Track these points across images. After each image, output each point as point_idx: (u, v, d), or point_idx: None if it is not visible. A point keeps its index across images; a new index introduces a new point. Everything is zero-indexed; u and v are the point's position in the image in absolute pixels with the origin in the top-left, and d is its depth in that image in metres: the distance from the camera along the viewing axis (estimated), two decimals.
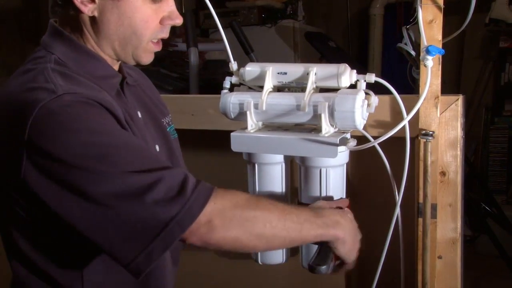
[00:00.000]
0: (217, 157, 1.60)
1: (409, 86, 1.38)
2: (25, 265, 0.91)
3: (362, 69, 1.19)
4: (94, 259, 0.91)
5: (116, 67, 0.99)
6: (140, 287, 0.96)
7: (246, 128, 1.08)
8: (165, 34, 0.95)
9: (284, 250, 1.29)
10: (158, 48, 0.96)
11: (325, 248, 0.97)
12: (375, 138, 1.06)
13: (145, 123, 1.03)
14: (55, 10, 0.92)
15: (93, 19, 0.90)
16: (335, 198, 1.20)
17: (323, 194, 1.19)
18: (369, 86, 1.06)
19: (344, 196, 1.23)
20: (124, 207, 0.77)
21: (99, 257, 0.91)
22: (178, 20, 0.94)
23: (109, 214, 0.77)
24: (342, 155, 1.15)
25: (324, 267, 0.95)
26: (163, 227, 0.77)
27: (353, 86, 1.05)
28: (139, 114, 1.02)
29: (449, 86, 3.64)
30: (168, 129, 1.13)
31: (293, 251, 1.33)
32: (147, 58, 0.96)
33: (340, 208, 1.08)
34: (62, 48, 0.91)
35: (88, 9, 0.88)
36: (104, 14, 0.89)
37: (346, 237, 0.96)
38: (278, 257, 1.30)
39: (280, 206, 0.89)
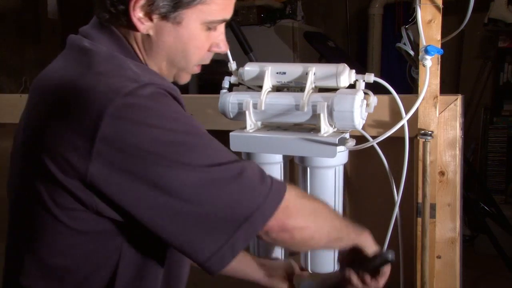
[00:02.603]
0: None
1: (408, 86, 1.38)
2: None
3: (361, 69, 1.20)
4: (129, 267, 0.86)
5: None
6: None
7: (245, 128, 1.09)
8: (209, 60, 0.94)
9: (283, 250, 1.29)
10: (198, 71, 0.94)
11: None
12: (374, 138, 1.06)
13: None
14: (105, 10, 0.85)
15: (146, 36, 0.86)
16: (334, 199, 1.20)
17: (323, 193, 1.19)
18: (368, 86, 1.06)
19: (342, 197, 1.23)
20: (209, 198, 0.75)
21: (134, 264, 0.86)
22: (225, 49, 0.93)
23: (192, 207, 0.75)
24: (341, 155, 1.16)
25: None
26: (248, 216, 0.76)
27: (352, 86, 1.05)
28: None
29: (448, 86, 3.65)
30: None
31: (293, 252, 1.33)
32: (186, 79, 0.95)
33: None
34: (112, 46, 0.85)
35: (144, 27, 0.84)
36: (160, 35, 0.85)
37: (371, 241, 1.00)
38: (277, 257, 1.30)
39: (327, 210, 0.93)
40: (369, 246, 0.98)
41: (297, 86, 1.08)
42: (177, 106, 0.80)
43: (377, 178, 1.24)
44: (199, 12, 0.84)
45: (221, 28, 0.91)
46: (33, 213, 0.82)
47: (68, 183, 0.75)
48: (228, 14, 0.88)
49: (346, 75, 1.04)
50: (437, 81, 1.18)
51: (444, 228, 1.25)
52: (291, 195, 0.82)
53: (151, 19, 0.83)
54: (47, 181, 0.77)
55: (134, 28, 0.84)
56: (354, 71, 1.06)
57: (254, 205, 0.77)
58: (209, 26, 0.87)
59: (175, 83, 0.92)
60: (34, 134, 0.81)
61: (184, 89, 1.99)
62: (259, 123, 1.11)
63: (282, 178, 1.27)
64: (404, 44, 1.27)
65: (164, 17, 0.83)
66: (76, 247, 0.82)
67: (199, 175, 0.75)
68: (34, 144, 0.80)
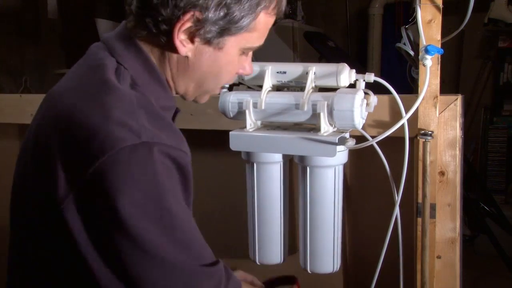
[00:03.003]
0: (216, 156, 1.60)
1: (408, 86, 1.38)
2: None
3: (361, 69, 1.20)
4: None
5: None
6: None
7: (245, 127, 1.09)
8: (233, 81, 0.95)
9: (282, 250, 1.30)
10: (220, 92, 0.95)
11: None
12: (374, 137, 1.06)
13: None
14: (142, 25, 0.81)
15: (184, 57, 0.83)
16: (334, 198, 1.20)
17: (323, 193, 1.19)
18: (368, 85, 1.06)
19: (342, 197, 1.23)
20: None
21: None
22: (250, 71, 0.92)
23: None
24: (341, 154, 1.16)
25: None
26: None
27: (352, 86, 1.05)
28: None
29: (448, 86, 3.65)
30: None
31: (291, 250, 1.33)
32: (206, 100, 0.93)
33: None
34: (136, 65, 0.82)
35: (184, 50, 0.81)
36: (199, 58, 0.83)
37: None
38: (276, 257, 1.30)
39: None
40: None
41: (297, 85, 1.09)
42: (170, 180, 0.74)
43: (377, 178, 1.24)
44: (242, 39, 0.83)
45: (251, 52, 0.91)
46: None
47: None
48: (263, 40, 0.88)
49: (346, 74, 1.04)
50: (437, 81, 1.18)
51: (444, 228, 1.25)
52: None
53: (192, 42, 0.81)
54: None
55: (172, 49, 0.81)
56: (354, 70, 1.06)
57: None
58: (245, 51, 0.87)
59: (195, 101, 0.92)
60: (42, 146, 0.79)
61: None
62: (259, 123, 1.11)
63: (282, 177, 1.27)
64: (404, 44, 1.27)
65: (208, 41, 0.81)
66: None
67: (160, 265, 0.73)
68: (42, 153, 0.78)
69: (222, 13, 0.78)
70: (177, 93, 0.90)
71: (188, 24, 0.78)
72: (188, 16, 0.77)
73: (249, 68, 0.92)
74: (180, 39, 0.79)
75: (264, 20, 0.84)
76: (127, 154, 0.70)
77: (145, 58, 0.83)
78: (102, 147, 0.70)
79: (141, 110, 0.76)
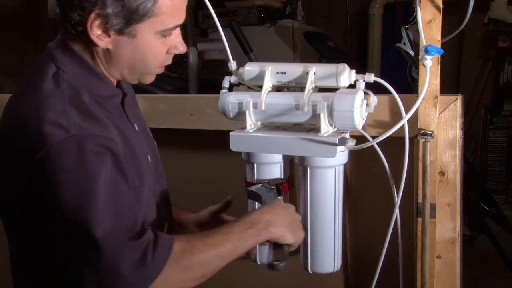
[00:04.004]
0: (216, 157, 1.60)
1: (408, 86, 1.38)
2: None
3: (361, 69, 1.20)
4: None
5: (114, 82, 1.02)
6: None
7: (245, 127, 1.09)
8: (170, 61, 0.99)
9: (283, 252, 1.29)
10: (162, 71, 1.00)
11: (274, 245, 1.01)
12: (374, 138, 1.06)
13: (140, 135, 1.06)
14: (67, 30, 0.93)
15: (106, 50, 0.93)
16: (334, 198, 1.20)
17: (323, 193, 1.19)
18: (368, 86, 1.06)
19: (342, 197, 1.23)
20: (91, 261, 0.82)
21: None
22: (183, 49, 0.98)
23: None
24: (341, 155, 1.16)
25: (283, 264, 0.98)
26: None
27: (352, 86, 1.05)
28: (136, 127, 1.05)
29: (448, 86, 3.65)
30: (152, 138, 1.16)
31: (292, 251, 1.33)
32: (150, 80, 1.01)
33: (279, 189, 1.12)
34: (72, 67, 0.94)
35: (103, 43, 0.91)
36: (118, 48, 0.92)
37: (283, 230, 1.00)
38: None
39: (211, 241, 0.92)
40: (278, 235, 0.99)
41: (297, 86, 1.08)
42: (99, 163, 0.84)
43: (377, 178, 1.24)
44: (151, 24, 0.90)
45: (176, 31, 0.96)
46: None
47: None
48: (179, 19, 0.94)
49: (346, 75, 1.04)
50: (437, 81, 1.18)
51: (444, 228, 1.25)
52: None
53: (108, 35, 0.90)
54: None
55: (94, 44, 0.91)
56: (354, 71, 1.06)
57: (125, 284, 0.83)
58: (163, 34, 0.93)
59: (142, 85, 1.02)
60: None
61: (184, 89, 2.00)
62: (259, 123, 1.11)
63: (282, 177, 1.27)
64: (404, 44, 1.27)
65: (120, 32, 0.90)
66: None
67: (86, 239, 0.82)
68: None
69: (119, 6, 0.87)
70: (116, 79, 0.99)
71: (97, 22, 0.88)
72: (93, 15, 0.87)
73: (182, 46, 0.98)
74: (97, 34, 0.89)
75: (169, 2, 0.90)
76: (58, 148, 0.82)
77: (79, 58, 0.94)
78: (37, 145, 0.82)
79: (72, 109, 0.87)
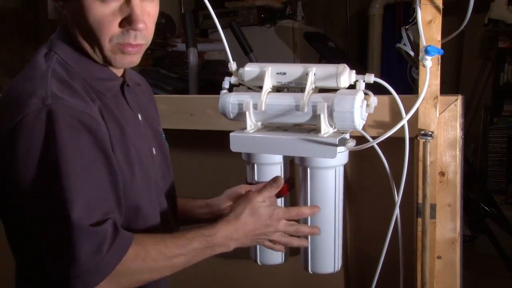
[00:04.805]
0: (216, 157, 1.60)
1: (408, 86, 1.38)
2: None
3: (361, 70, 1.19)
4: None
5: (119, 72, 1.01)
6: None
7: (245, 128, 1.09)
8: (129, 39, 0.91)
9: (283, 253, 1.29)
10: (132, 52, 0.93)
11: None
12: (374, 138, 1.06)
13: (144, 126, 1.06)
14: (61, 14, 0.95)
15: (71, 21, 0.93)
16: (334, 199, 1.20)
17: (323, 194, 1.19)
18: (368, 86, 1.06)
19: (342, 198, 1.23)
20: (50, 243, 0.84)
21: None
22: (137, 25, 0.90)
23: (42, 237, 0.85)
24: (341, 155, 1.16)
25: None
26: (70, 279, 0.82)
27: (352, 87, 1.05)
28: (140, 117, 1.05)
29: (448, 86, 3.64)
30: (162, 137, 1.16)
31: (293, 251, 1.33)
32: (119, 61, 0.95)
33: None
34: (65, 48, 0.94)
35: (63, 12, 0.93)
36: (69, 15, 0.93)
37: (243, 241, 1.04)
38: (277, 257, 1.30)
39: (167, 252, 0.92)
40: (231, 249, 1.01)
41: (297, 86, 1.08)
42: (76, 140, 0.83)
43: (377, 178, 1.24)
44: None
45: (132, 3, 0.89)
46: None
47: None
48: None
49: (346, 75, 1.04)
50: (437, 82, 1.18)
51: (444, 228, 1.25)
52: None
53: (62, 6, 0.93)
54: None
55: (67, 20, 0.93)
56: (354, 71, 1.05)
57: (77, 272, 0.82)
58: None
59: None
60: None
61: (184, 89, 2.00)
62: (259, 124, 1.11)
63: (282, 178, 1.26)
64: (404, 44, 1.27)
65: None
66: None
67: (49, 220, 0.83)
68: None
69: None
70: (103, 58, 0.95)
71: None
72: None
73: (136, 21, 0.89)
74: (60, 5, 0.93)
75: None
76: (31, 118, 0.82)
77: (71, 40, 0.94)
78: (13, 115, 0.82)
79: (53, 80, 0.87)
